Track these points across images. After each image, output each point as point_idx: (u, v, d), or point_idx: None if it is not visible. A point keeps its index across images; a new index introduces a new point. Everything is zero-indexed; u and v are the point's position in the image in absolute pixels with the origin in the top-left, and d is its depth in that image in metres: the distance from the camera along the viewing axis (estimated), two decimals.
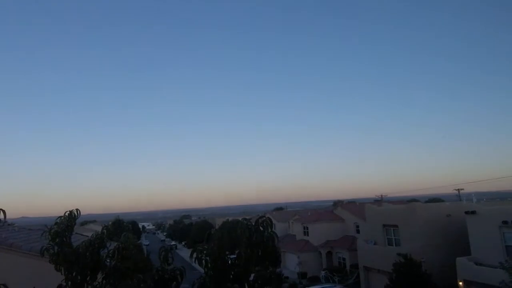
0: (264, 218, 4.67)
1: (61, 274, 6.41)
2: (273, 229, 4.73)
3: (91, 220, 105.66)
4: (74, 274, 6.37)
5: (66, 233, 6.77)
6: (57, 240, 6.68)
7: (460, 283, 22.09)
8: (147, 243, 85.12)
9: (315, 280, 37.41)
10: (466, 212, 23.21)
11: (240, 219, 4.97)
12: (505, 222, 20.68)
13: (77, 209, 7.08)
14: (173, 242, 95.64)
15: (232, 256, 4.75)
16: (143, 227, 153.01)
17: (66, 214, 6.99)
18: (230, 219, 78.73)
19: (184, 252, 66.50)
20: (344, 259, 38.90)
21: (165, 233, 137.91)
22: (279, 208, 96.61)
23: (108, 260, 6.85)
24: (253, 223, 4.66)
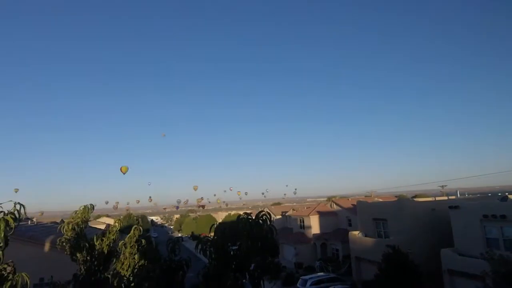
0: (263, 212, 4.69)
1: (76, 263, 6.43)
2: (271, 223, 4.73)
3: (104, 214, 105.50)
4: (88, 264, 6.40)
5: (81, 226, 6.80)
6: (73, 232, 6.70)
7: (444, 272, 22.11)
8: (155, 235, 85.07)
9: (311, 269, 37.37)
10: (450, 207, 23.20)
11: (241, 213, 4.97)
12: (485, 216, 20.68)
13: (91, 204, 7.11)
14: (180, 235, 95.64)
15: (234, 247, 4.75)
16: (152, 220, 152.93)
17: (81, 208, 7.02)
18: (232, 213, 78.74)
19: (190, 244, 66.50)
20: (337, 250, 38.88)
21: (172, 226, 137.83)
22: (277, 203, 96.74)
23: (119, 251, 6.86)
24: (253, 217, 4.67)
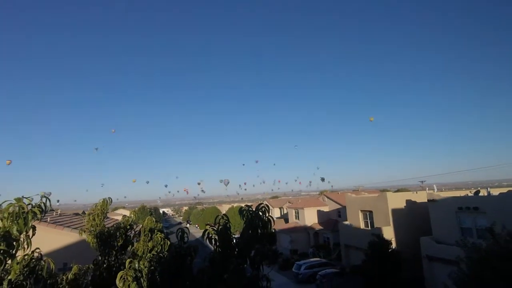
0: (263, 204, 4.68)
1: (96, 250, 6.43)
2: (270, 214, 4.73)
3: (121, 206, 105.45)
4: (107, 250, 6.40)
5: (100, 217, 6.80)
6: (93, 222, 6.71)
7: (423, 258, 22.11)
8: (166, 225, 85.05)
9: (304, 255, 37.40)
10: (428, 200, 23.22)
11: (243, 205, 4.97)
12: (460, 208, 20.70)
13: (109, 197, 7.12)
14: (188, 224, 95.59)
15: (236, 236, 4.76)
16: (163, 212, 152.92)
17: (100, 201, 7.02)
18: (234, 205, 78.74)
19: (197, 233, 66.47)
20: (328, 238, 38.90)
21: (181, 217, 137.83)
22: (275, 197, 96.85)
23: (134, 239, 6.87)
24: (254, 209, 4.67)
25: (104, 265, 6.09)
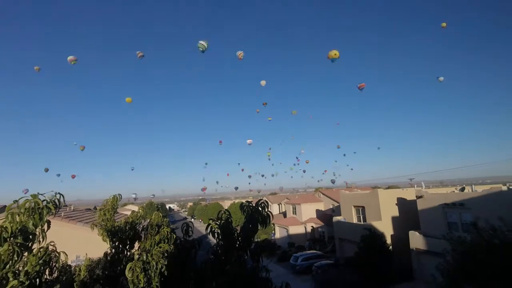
0: (262, 200, 4.69)
1: (107, 243, 6.43)
2: (269, 209, 4.73)
3: (130, 202, 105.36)
4: (116, 243, 6.40)
5: (111, 212, 6.80)
6: (104, 217, 6.71)
7: (412, 251, 22.11)
8: (172, 220, 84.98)
9: (301, 248, 37.39)
10: (417, 197, 23.23)
11: (243, 201, 4.97)
12: (446, 204, 20.71)
13: (119, 194, 7.12)
14: (193, 219, 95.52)
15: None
16: (170, 207, 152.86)
17: (111, 197, 7.03)
18: (236, 201, 78.77)
19: (201, 227, 66.44)
20: (323, 232, 38.90)
21: (186, 212, 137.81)
22: (274, 193, 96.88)
23: (142, 233, 6.87)
24: (254, 205, 4.68)
25: (114, 258, 6.09)
